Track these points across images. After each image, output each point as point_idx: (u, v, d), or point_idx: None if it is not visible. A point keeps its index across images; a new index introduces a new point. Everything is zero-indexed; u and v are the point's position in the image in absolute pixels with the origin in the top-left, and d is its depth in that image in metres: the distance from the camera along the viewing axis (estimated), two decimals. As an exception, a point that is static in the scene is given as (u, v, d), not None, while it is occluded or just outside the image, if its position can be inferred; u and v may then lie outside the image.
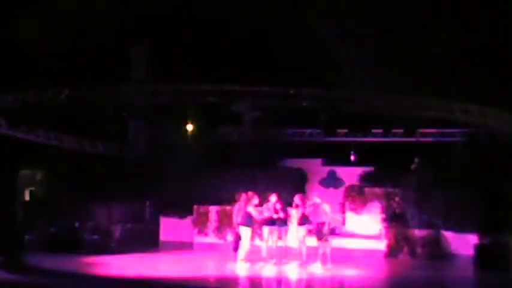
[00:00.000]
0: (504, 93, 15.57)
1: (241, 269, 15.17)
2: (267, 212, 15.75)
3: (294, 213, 15.85)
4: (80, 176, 19.74)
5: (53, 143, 19.30)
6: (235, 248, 15.78)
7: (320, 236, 15.12)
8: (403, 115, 16.75)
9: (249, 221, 15.52)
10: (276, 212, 15.61)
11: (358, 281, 14.28)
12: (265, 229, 15.87)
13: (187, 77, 16.72)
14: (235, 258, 15.64)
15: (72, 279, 13.42)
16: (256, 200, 15.67)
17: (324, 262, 15.06)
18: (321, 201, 15.57)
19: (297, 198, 15.90)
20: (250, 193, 15.79)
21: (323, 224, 15.12)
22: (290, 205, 16.19)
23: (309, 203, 15.57)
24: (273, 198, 15.83)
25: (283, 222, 15.71)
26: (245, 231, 15.48)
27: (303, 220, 15.57)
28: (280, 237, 15.75)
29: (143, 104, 18.04)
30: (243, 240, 15.47)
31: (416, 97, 16.03)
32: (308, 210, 15.44)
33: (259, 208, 15.80)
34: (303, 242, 15.56)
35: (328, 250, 15.20)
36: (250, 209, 15.51)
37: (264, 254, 15.87)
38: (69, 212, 18.99)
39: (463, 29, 15.67)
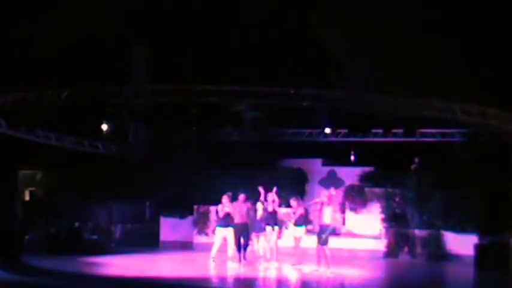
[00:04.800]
0: (504, 93, 15.56)
1: (241, 269, 15.19)
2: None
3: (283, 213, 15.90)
4: (80, 176, 19.74)
5: (53, 143, 19.31)
6: (238, 248, 15.83)
7: None
8: (403, 115, 16.74)
9: (224, 221, 15.67)
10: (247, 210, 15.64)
11: (358, 281, 14.28)
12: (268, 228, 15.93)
13: (187, 77, 16.72)
14: (235, 258, 15.68)
15: (72, 279, 13.42)
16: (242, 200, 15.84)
17: None
18: None
19: (293, 200, 15.93)
20: (242, 195, 15.92)
21: None
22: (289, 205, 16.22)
23: None
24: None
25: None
26: (219, 231, 15.75)
27: (301, 220, 15.60)
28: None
29: (143, 104, 18.04)
30: (215, 240, 15.77)
31: (416, 97, 16.03)
32: None
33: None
34: (298, 242, 15.58)
35: None
36: (229, 209, 15.64)
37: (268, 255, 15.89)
38: (69, 212, 19.01)
39: (463, 28, 15.66)
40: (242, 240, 15.81)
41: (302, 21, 17.16)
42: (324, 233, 14.37)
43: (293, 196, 16.23)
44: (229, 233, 15.71)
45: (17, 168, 20.31)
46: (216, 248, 15.79)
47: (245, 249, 15.91)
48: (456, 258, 17.25)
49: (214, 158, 19.97)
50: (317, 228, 15.04)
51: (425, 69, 16.15)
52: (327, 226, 14.45)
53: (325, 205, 14.62)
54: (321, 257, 14.59)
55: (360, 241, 18.73)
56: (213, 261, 15.62)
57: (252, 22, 17.19)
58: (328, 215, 14.52)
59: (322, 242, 14.40)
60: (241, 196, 16.05)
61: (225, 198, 15.80)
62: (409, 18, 15.98)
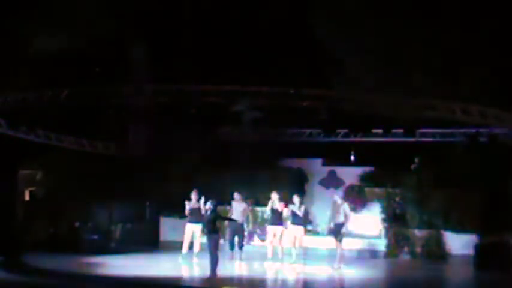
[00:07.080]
0: (504, 93, 15.55)
1: (240, 269, 15.20)
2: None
3: (285, 213, 15.94)
4: (80, 176, 19.73)
5: (53, 143, 19.30)
6: (231, 247, 15.90)
7: None
8: (403, 115, 16.74)
9: (192, 217, 15.80)
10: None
11: (358, 281, 14.28)
12: (270, 228, 16.01)
13: (187, 77, 16.72)
14: (232, 257, 15.75)
15: (72, 279, 13.41)
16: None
17: None
18: None
19: (295, 197, 15.98)
20: (237, 194, 16.26)
21: None
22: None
23: None
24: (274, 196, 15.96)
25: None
26: (188, 227, 15.89)
27: (299, 220, 15.64)
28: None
29: (143, 104, 18.04)
30: (185, 236, 15.89)
31: (416, 97, 16.02)
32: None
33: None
34: (300, 241, 15.61)
35: None
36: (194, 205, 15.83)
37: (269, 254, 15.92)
38: (69, 212, 19.00)
39: (463, 28, 15.65)
40: (237, 239, 15.88)
41: (302, 21, 17.12)
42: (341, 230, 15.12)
43: (294, 194, 16.30)
44: (197, 229, 15.75)
45: (17, 168, 20.30)
46: (186, 244, 15.84)
47: (241, 248, 15.96)
48: (456, 258, 17.26)
49: (215, 158, 19.96)
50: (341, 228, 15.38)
51: (425, 69, 16.12)
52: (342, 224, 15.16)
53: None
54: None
55: (360, 241, 18.73)
56: (183, 258, 15.67)
57: (252, 22, 17.16)
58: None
59: (340, 239, 15.07)
60: (236, 195, 16.13)
61: (193, 194, 15.85)
62: (409, 17, 15.96)
